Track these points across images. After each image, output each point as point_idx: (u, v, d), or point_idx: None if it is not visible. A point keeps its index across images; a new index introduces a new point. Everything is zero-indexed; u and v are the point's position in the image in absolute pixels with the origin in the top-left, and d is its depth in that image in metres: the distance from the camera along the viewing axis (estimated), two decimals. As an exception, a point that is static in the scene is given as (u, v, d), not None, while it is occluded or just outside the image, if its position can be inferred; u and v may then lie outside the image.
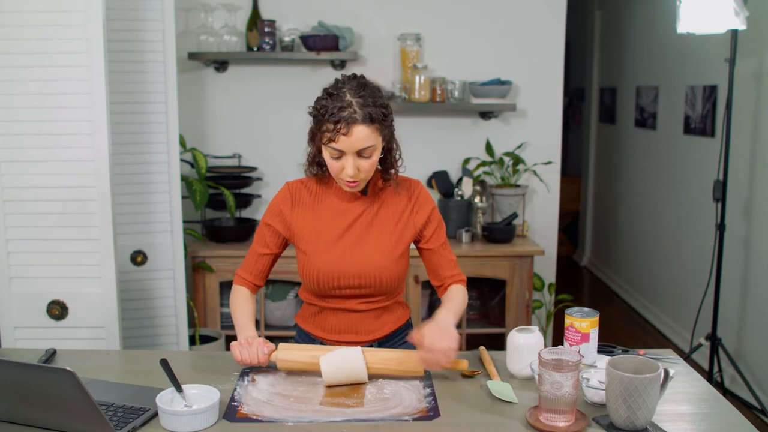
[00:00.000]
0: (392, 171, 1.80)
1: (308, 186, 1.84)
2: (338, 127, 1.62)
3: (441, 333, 1.60)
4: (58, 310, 2.34)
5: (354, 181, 1.71)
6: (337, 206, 1.81)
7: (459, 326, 3.49)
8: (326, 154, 1.70)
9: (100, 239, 2.35)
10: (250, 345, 1.67)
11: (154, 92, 2.80)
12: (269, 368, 1.73)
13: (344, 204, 1.81)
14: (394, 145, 1.79)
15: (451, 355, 1.59)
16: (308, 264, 1.79)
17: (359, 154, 1.66)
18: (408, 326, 1.94)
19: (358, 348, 1.66)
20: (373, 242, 1.79)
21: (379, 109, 1.66)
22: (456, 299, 1.81)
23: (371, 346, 1.84)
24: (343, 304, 1.82)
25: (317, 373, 1.68)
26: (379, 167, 1.81)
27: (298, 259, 1.83)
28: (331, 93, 1.68)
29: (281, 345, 1.70)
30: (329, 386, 1.63)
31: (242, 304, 1.82)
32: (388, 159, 1.79)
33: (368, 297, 1.82)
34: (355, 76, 1.73)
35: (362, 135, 1.64)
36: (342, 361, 1.63)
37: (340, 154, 1.67)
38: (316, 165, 1.79)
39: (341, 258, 1.77)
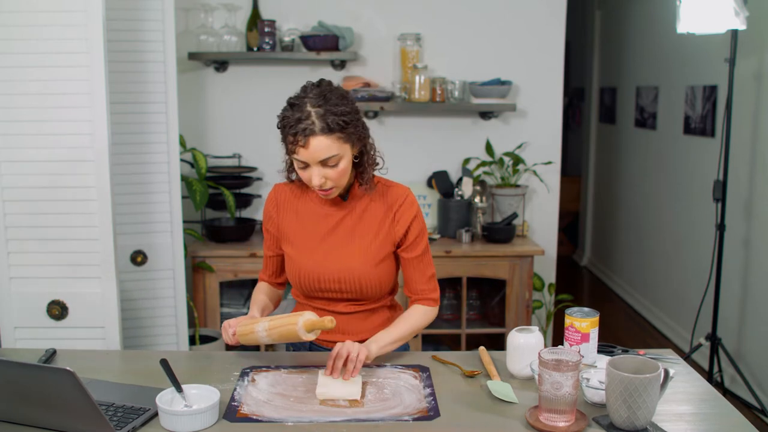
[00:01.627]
0: (366, 176, 1.77)
1: (293, 189, 1.87)
2: (297, 139, 1.62)
3: (352, 344, 1.64)
4: (58, 310, 2.34)
5: (325, 190, 1.71)
6: (319, 210, 1.82)
7: (459, 326, 3.50)
8: (294, 164, 1.72)
9: (100, 239, 2.35)
10: (224, 329, 1.73)
11: (154, 92, 2.79)
12: (269, 368, 1.73)
13: (326, 208, 1.82)
14: (368, 149, 1.76)
15: (356, 365, 1.62)
16: (292, 265, 1.83)
17: (324, 164, 1.66)
18: None
19: (359, 378, 1.63)
20: (354, 248, 1.79)
21: (339, 117, 1.63)
22: (401, 324, 1.80)
23: None
24: (329, 306, 1.84)
25: (315, 374, 1.68)
26: (355, 168, 1.80)
27: (285, 260, 1.88)
28: (292, 104, 1.67)
29: (240, 322, 1.72)
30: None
31: (255, 295, 1.94)
32: (362, 162, 1.76)
33: (352, 300, 1.83)
34: (320, 83, 1.71)
35: (321, 146, 1.63)
36: (342, 385, 1.61)
37: (305, 165, 1.67)
38: (294, 172, 1.81)
39: (323, 261, 1.79)
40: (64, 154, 2.32)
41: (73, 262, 2.36)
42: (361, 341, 1.83)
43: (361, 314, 1.85)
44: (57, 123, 2.30)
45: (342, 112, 1.64)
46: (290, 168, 1.82)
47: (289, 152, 1.68)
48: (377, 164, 1.80)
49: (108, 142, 2.32)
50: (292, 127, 1.63)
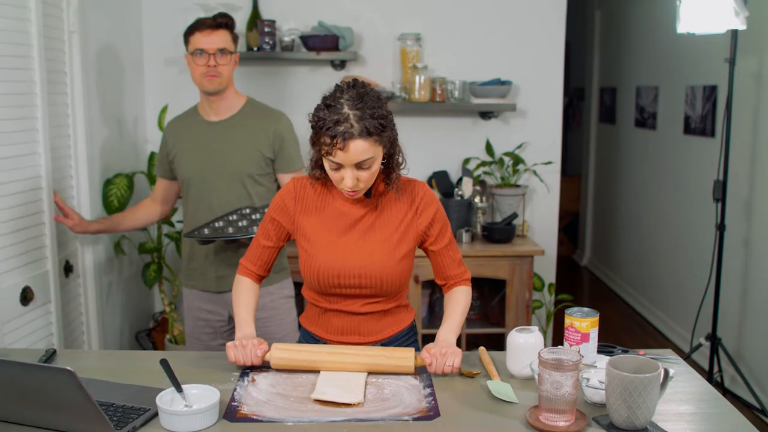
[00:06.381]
0: (394, 175, 1.78)
1: (314, 184, 1.83)
2: (335, 141, 1.60)
3: (443, 356, 1.66)
4: (27, 296, 2.31)
5: (354, 191, 1.71)
6: (340, 207, 1.80)
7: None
8: (326, 164, 1.69)
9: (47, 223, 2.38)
10: (244, 347, 1.69)
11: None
12: (269, 368, 1.73)
13: (347, 205, 1.80)
14: (397, 150, 1.76)
15: (456, 371, 1.66)
16: (309, 261, 1.79)
17: (358, 166, 1.65)
18: (411, 329, 1.94)
19: (364, 374, 1.66)
20: (375, 243, 1.78)
21: (377, 120, 1.63)
22: (457, 309, 1.83)
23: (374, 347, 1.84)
24: (345, 306, 1.82)
25: (316, 373, 1.68)
26: (381, 168, 1.79)
27: (299, 256, 1.84)
28: (329, 104, 1.64)
29: (275, 345, 1.72)
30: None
31: (245, 295, 1.86)
32: (390, 164, 1.77)
33: (370, 298, 1.81)
34: (355, 83, 1.69)
35: (359, 149, 1.62)
36: (347, 381, 1.61)
37: (339, 166, 1.66)
38: (319, 168, 1.78)
39: (343, 256, 1.77)
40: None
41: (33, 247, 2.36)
42: (377, 341, 1.85)
43: (377, 314, 1.84)
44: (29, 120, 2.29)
45: (379, 114, 1.63)
46: (315, 164, 1.78)
47: (324, 153, 1.65)
48: (403, 164, 1.80)
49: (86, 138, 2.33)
50: (329, 129, 1.60)
